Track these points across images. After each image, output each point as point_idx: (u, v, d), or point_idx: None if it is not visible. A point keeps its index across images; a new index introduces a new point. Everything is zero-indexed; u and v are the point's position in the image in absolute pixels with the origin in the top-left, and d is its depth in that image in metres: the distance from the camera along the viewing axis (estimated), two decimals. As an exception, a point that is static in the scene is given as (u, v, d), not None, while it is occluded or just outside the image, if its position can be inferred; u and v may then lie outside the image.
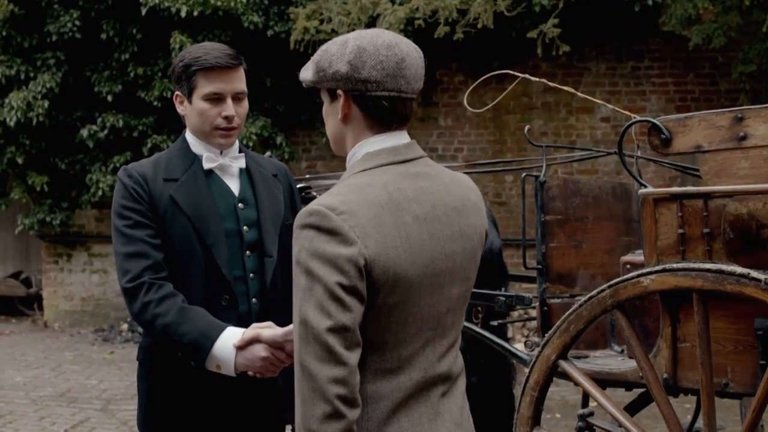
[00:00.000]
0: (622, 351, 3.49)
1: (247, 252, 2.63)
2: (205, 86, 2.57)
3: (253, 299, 2.62)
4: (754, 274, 2.67)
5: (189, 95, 2.60)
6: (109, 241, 11.02)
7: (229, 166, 2.67)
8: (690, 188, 2.96)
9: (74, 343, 10.10)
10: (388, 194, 1.89)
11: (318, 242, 1.82)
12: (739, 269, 2.70)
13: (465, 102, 4.05)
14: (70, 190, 10.71)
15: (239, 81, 2.61)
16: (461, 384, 2.11)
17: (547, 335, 3.16)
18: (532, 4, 9.15)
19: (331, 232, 1.81)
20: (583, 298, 3.07)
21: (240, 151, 2.72)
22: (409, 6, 8.25)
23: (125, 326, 10.56)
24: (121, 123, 10.00)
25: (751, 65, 9.20)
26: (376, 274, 1.83)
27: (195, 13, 9.24)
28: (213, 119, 2.58)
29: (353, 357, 1.81)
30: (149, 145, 9.95)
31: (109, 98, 10.05)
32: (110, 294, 10.91)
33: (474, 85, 3.28)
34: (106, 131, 10.07)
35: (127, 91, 10.07)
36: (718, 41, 8.78)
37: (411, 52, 2.01)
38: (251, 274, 2.62)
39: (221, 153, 2.66)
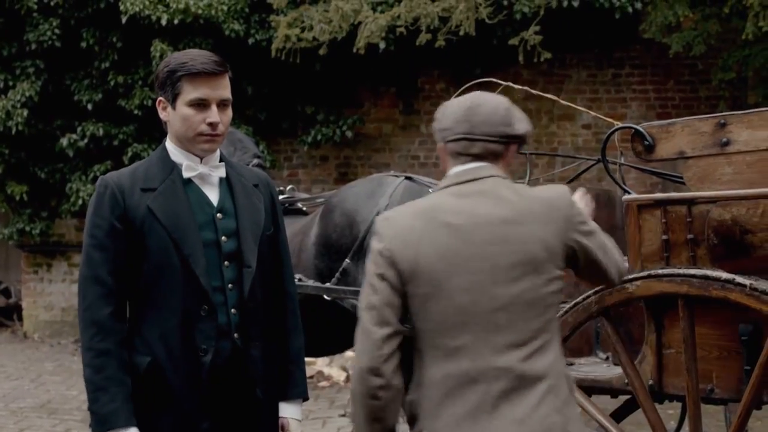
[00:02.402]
0: (607, 358, 3.49)
1: (226, 262, 2.60)
2: (190, 92, 2.54)
3: (232, 310, 2.60)
4: (739, 279, 2.68)
5: (173, 101, 2.57)
6: (89, 250, 11.01)
7: (208, 175, 2.64)
8: (674, 194, 2.97)
9: (54, 354, 10.01)
10: (429, 205, 2.41)
11: (372, 242, 2.42)
12: (724, 275, 2.71)
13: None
14: (49, 199, 10.62)
15: (224, 88, 2.59)
16: (545, 386, 2.31)
17: None
18: (513, 12, 9.18)
19: (376, 233, 2.39)
20: (568, 305, 3.07)
21: (221, 160, 2.69)
22: (391, 14, 8.25)
23: (106, 336, 10.47)
24: (101, 132, 9.94)
25: (731, 72, 9.26)
26: (402, 266, 2.31)
27: (176, 21, 9.20)
28: (197, 125, 2.56)
29: (380, 332, 2.28)
30: (130, 154, 9.88)
31: (89, 107, 9.99)
32: (91, 304, 10.81)
33: (458, 92, 3.26)
34: (86, 140, 10.00)
35: (107, 99, 10.01)
36: (698, 48, 8.83)
37: (484, 102, 2.50)
38: (229, 285, 2.60)
39: (201, 161, 2.63)
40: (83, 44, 9.90)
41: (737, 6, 8.06)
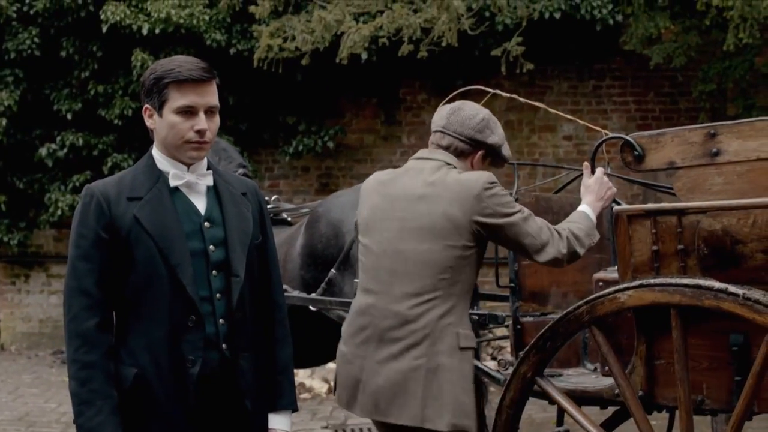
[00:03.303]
0: (595, 369, 3.48)
1: (214, 272, 2.57)
2: (177, 99, 2.51)
3: (220, 320, 2.56)
4: (732, 289, 2.67)
5: (159, 108, 2.54)
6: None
7: (196, 183, 2.60)
8: (664, 205, 2.96)
9: (32, 366, 9.90)
10: (387, 173, 3.27)
11: None
12: (716, 284, 2.70)
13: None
14: (28, 209, 10.50)
15: (212, 95, 2.56)
16: (423, 333, 3.03)
17: (522, 352, 3.13)
18: (495, 23, 9.20)
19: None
20: (559, 315, 3.05)
21: (208, 168, 2.66)
22: (374, 24, 8.24)
23: (85, 348, 10.35)
24: (80, 141, 9.85)
25: (711, 84, 9.34)
26: (358, 219, 3.27)
27: (157, 31, 9.15)
28: (184, 132, 2.52)
29: None
30: (109, 164, 9.81)
31: (69, 116, 9.90)
32: (69, 315, 10.70)
33: (447, 99, 3.26)
34: (65, 150, 9.91)
35: (87, 109, 9.92)
36: (678, 60, 8.89)
37: (467, 108, 3.24)
38: (218, 295, 2.57)
39: (188, 169, 2.60)
40: (63, 53, 9.82)
41: (717, 18, 8.13)
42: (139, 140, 9.78)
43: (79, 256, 2.51)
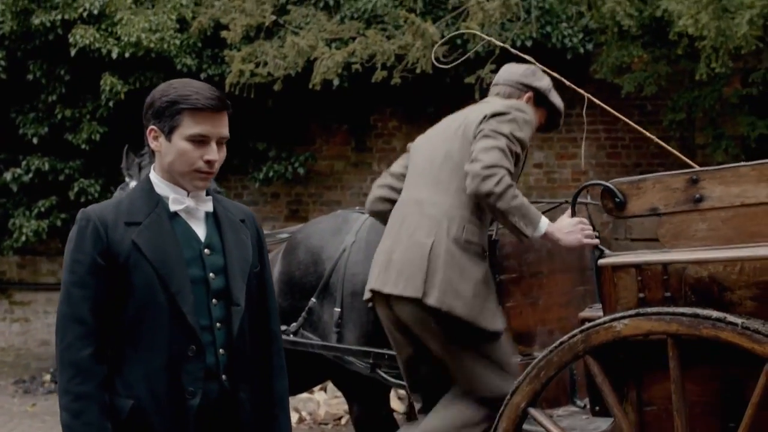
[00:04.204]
0: (585, 406, 3.44)
1: (214, 300, 2.52)
2: (190, 126, 2.46)
3: (220, 350, 2.51)
4: (730, 318, 2.64)
5: (169, 132, 2.48)
6: (31, 288, 10.74)
7: (195, 209, 2.55)
8: (649, 257, 2.93)
9: (-6, 396, 9.68)
10: None
11: None
12: (715, 313, 2.67)
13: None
14: (-9, 235, 10.32)
15: (225, 126, 2.52)
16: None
17: (516, 382, 3.07)
18: (466, 51, 9.20)
19: None
20: (553, 344, 3.00)
21: (207, 194, 2.60)
22: (347, 50, 8.22)
23: (48, 377, 10.14)
24: (47, 166, 9.67)
25: (681, 113, 9.40)
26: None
27: (127, 55, 9.03)
28: (194, 161, 2.48)
29: None
30: (76, 189, 9.65)
31: (35, 140, 9.72)
32: (32, 344, 10.51)
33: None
34: (30, 174, 9.71)
35: (53, 133, 9.75)
36: (649, 89, 8.95)
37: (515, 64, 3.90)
38: (218, 324, 2.51)
39: (188, 195, 2.54)
40: (30, 77, 9.64)
41: (687, 48, 8.19)
42: (106, 166, 9.65)
43: (73, 282, 2.44)
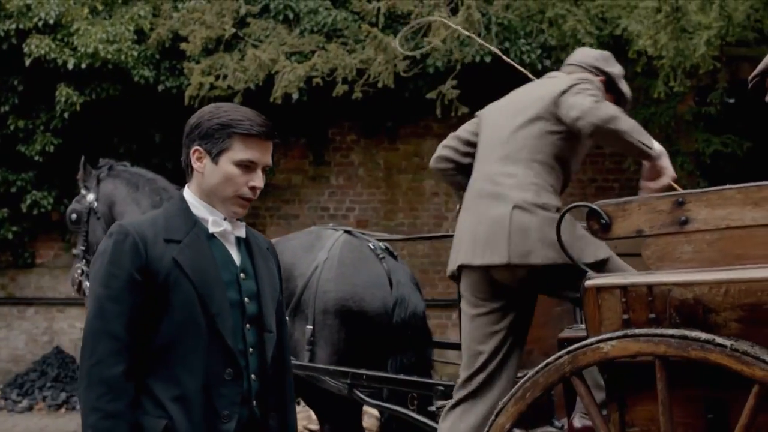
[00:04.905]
0: (562, 427, 3.44)
1: (248, 325, 2.49)
2: (241, 152, 2.45)
3: (252, 376, 2.48)
4: (719, 340, 2.65)
5: (216, 155, 2.46)
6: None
7: (231, 233, 2.52)
8: (634, 278, 2.94)
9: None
10: None
11: None
12: (703, 335, 2.67)
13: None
14: (-58, 247, 10.07)
15: (270, 154, 2.52)
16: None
17: (500, 403, 3.05)
18: (426, 66, 9.22)
19: None
20: (539, 365, 2.98)
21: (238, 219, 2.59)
22: (309, 64, 8.19)
23: (-2, 393, 9.92)
24: (-2, 178, 9.51)
25: (638, 130, 9.52)
26: None
27: (83, 66, 8.90)
28: (239, 187, 2.45)
29: None
30: (28, 201, 9.50)
31: (-14, 152, 9.55)
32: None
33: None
34: (-19, 186, 9.55)
35: (5, 144, 9.59)
36: (606, 106, 9.04)
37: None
38: (251, 349, 2.49)
39: (224, 219, 2.51)
40: (-18, 87, 9.48)
41: (644, 66, 8.32)
42: (60, 177, 9.48)
43: (108, 296, 2.37)
